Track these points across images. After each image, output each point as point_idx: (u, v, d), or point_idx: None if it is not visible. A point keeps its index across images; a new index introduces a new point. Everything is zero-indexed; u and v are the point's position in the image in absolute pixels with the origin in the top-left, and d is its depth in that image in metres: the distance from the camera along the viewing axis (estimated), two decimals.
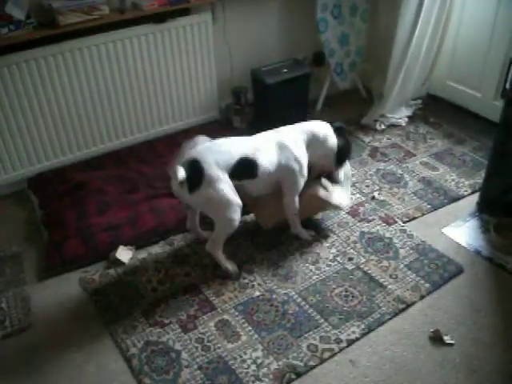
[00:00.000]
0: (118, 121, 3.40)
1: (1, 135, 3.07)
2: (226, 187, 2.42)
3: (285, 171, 2.60)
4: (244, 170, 2.50)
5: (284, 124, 3.41)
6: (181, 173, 2.31)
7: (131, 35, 3.18)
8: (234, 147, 2.51)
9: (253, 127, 3.73)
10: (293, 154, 2.60)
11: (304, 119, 3.76)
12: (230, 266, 2.57)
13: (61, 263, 2.67)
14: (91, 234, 2.78)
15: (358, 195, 3.11)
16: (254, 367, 2.14)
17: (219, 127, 3.72)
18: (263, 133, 2.71)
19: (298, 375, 2.12)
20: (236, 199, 2.45)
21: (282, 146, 2.60)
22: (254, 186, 2.61)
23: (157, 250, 2.75)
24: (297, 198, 2.68)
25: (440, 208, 3.02)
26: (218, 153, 2.45)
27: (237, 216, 2.47)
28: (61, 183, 3.18)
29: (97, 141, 3.40)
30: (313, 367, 2.16)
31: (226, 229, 2.51)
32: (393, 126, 3.80)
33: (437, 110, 3.96)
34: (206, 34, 3.44)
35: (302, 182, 2.66)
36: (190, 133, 3.61)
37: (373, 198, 3.09)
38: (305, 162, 2.65)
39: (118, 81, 3.28)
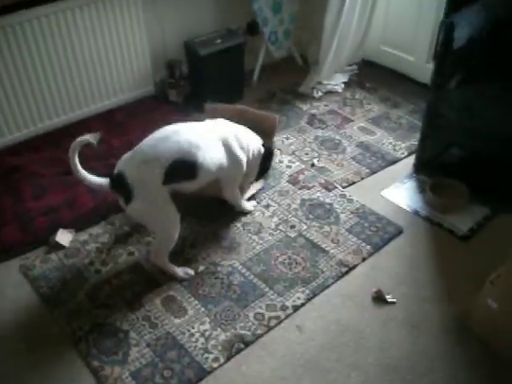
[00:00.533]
0: (50, 100, 3.28)
1: None
2: (160, 199, 2.25)
3: (227, 171, 2.48)
4: (180, 172, 2.27)
5: (221, 96, 3.40)
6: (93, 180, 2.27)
7: (57, 10, 3.04)
8: (163, 150, 2.22)
9: (189, 100, 3.71)
10: (237, 156, 2.49)
11: (241, 90, 3.78)
12: (181, 273, 2.41)
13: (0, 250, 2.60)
14: (29, 218, 2.70)
15: (297, 163, 3.13)
16: (202, 340, 2.16)
17: (155, 102, 3.65)
18: (202, 123, 2.50)
19: (247, 344, 2.15)
20: (173, 211, 2.30)
21: (226, 144, 2.44)
22: (191, 186, 2.41)
23: (98, 230, 2.70)
24: (236, 189, 2.67)
25: (378, 171, 3.08)
26: (145, 162, 2.19)
27: (175, 229, 2.33)
28: None
29: (28, 122, 3.26)
30: (260, 335, 2.19)
31: (165, 241, 2.34)
32: (330, 92, 3.83)
33: (372, 75, 4.01)
34: (136, 6, 3.33)
35: (241, 177, 2.63)
36: (125, 109, 3.55)
37: (312, 165, 3.12)
38: (245, 161, 2.56)
39: (47, 58, 3.14)
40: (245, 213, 2.77)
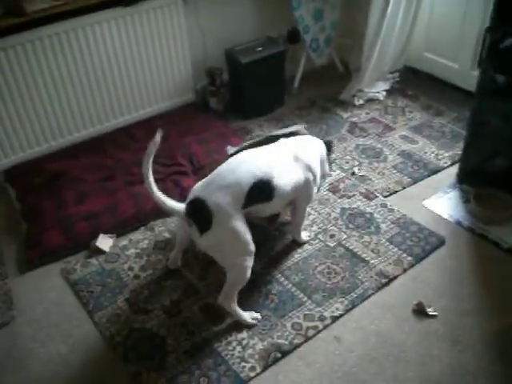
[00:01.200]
0: (93, 108, 3.35)
1: None
2: (241, 228, 2.11)
3: (302, 186, 2.38)
4: (257, 194, 2.17)
5: (261, 104, 3.41)
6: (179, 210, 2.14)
7: (100, 19, 3.12)
8: (242, 173, 2.14)
9: (230, 108, 3.72)
10: (308, 165, 2.38)
11: (281, 98, 3.77)
12: (248, 318, 2.25)
13: (41, 255, 2.65)
14: (71, 223, 2.75)
15: (338, 171, 3.10)
16: (239, 348, 2.15)
17: (196, 110, 3.68)
18: (275, 143, 2.42)
19: (284, 354, 2.13)
20: (250, 242, 2.15)
21: (297, 158, 2.35)
22: (267, 209, 2.33)
23: (138, 236, 2.73)
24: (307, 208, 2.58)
25: (420, 181, 3.02)
26: (226, 187, 2.10)
27: (250, 263, 2.18)
28: (38, 174, 3.13)
29: (72, 129, 3.35)
30: (298, 345, 2.17)
31: (239, 278, 2.17)
32: (371, 100, 3.79)
33: (414, 83, 3.95)
34: (177, 14, 3.38)
35: (315, 190, 2.51)
36: (166, 116, 3.59)
37: (353, 173, 3.09)
38: (318, 171, 2.48)
39: (90, 67, 3.22)
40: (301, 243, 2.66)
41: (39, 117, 3.19)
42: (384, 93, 3.83)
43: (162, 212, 2.74)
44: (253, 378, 2.06)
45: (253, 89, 3.59)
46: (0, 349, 2.25)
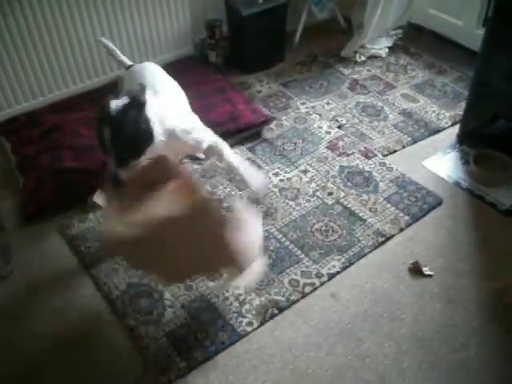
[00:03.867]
0: (89, 60, 3.27)
1: None
2: None
3: None
4: None
5: (261, 58, 3.33)
6: None
7: None
8: None
9: (229, 62, 3.65)
10: None
11: (282, 52, 3.70)
12: None
13: (38, 209, 2.63)
14: (67, 178, 2.72)
15: (336, 129, 3.06)
16: (236, 304, 2.17)
17: (195, 63, 3.61)
18: None
19: (281, 310, 2.15)
20: None
21: None
22: None
23: None
24: None
25: (420, 140, 3.00)
26: None
27: None
28: (34, 127, 3.07)
29: (68, 82, 3.28)
30: (295, 302, 2.19)
31: None
32: (373, 57, 3.72)
33: (418, 40, 3.87)
34: None
35: None
36: (164, 69, 3.52)
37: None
38: None
39: (87, 19, 3.12)
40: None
41: (35, 69, 3.12)
42: (386, 50, 3.76)
43: None
44: (249, 332, 2.08)
45: (253, 42, 3.50)
46: None
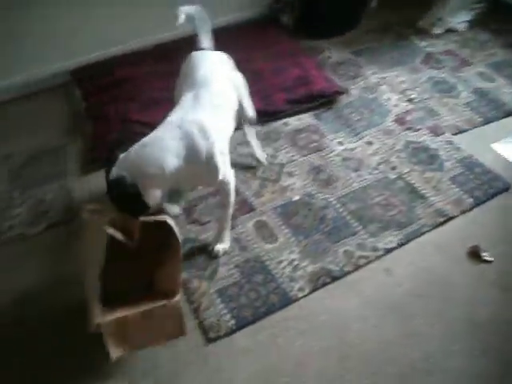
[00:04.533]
0: (162, 14, 3.27)
1: (44, 24, 3.01)
2: None
3: None
4: None
5: (333, 23, 3.24)
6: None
7: None
8: None
9: (300, 25, 3.57)
10: None
11: (356, 18, 3.59)
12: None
13: (102, 157, 2.69)
14: (132, 130, 2.75)
15: (406, 103, 2.98)
16: (289, 268, 2.18)
17: (266, 24, 3.56)
18: None
19: (333, 279, 2.15)
20: None
21: None
22: None
23: None
24: None
25: (492, 122, 2.89)
26: None
27: None
28: (105, 76, 3.13)
29: (143, 33, 3.30)
30: (348, 273, 2.18)
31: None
32: (450, 31, 3.57)
33: (500, 16, 3.68)
34: None
35: None
36: (235, 29, 3.49)
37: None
38: None
39: None
40: None
41: (108, 19, 3.15)
42: (465, 24, 3.60)
43: None
44: (300, 298, 2.10)
45: (326, 5, 3.41)
46: (59, 244, 2.36)
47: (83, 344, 1.90)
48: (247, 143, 2.61)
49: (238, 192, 2.48)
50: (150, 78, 3.08)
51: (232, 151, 2.45)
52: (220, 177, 2.01)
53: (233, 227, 2.34)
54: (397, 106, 2.94)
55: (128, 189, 1.81)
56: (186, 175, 1.94)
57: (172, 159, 1.86)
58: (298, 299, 2.09)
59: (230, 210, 2.20)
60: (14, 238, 2.41)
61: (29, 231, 2.43)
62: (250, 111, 2.43)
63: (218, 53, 2.36)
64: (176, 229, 1.84)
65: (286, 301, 2.08)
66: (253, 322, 2.03)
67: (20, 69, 3.15)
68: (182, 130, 1.91)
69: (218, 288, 2.12)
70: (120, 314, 1.77)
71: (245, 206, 2.44)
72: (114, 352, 1.74)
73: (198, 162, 1.92)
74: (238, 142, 2.66)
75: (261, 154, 2.62)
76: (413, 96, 3.03)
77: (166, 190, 1.98)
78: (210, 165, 1.96)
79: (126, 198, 1.82)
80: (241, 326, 2.01)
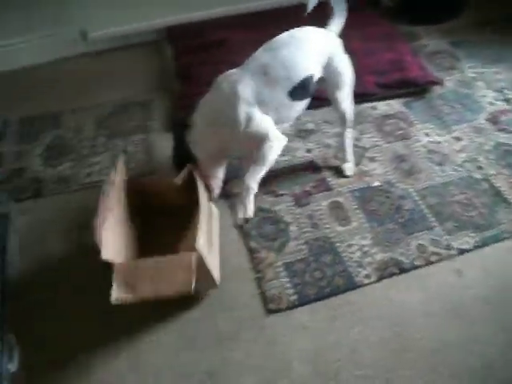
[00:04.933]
0: None
1: None
2: None
3: None
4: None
5: (435, 8, 3.07)
6: None
7: None
8: None
9: (401, 7, 3.45)
10: None
11: (460, 5, 3.42)
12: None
13: (188, 116, 2.72)
14: None
15: (502, 102, 2.85)
16: (359, 254, 2.15)
17: (364, 3, 3.46)
18: None
19: (401, 271, 2.10)
20: None
21: None
22: None
23: None
24: None
25: None
26: None
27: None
28: (198, 37, 3.16)
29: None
30: (417, 267, 2.12)
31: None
32: None
33: None
34: None
35: None
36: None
37: (507, 99, 2.85)
38: None
39: None
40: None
41: None
42: None
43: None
44: (365, 285, 2.06)
45: None
46: None
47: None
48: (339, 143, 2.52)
49: (317, 169, 2.47)
50: (241, 44, 3.06)
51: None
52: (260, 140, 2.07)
53: (307, 203, 2.33)
54: (492, 105, 2.82)
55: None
56: (225, 137, 2.09)
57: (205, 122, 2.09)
58: (362, 285, 2.06)
59: (262, 172, 2.11)
60: (92, 184, 2.49)
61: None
62: (344, 108, 2.36)
63: (326, 32, 2.30)
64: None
65: (351, 285, 2.06)
66: (314, 300, 2.02)
67: (120, 22, 3.22)
68: (220, 91, 2.09)
69: (285, 261, 2.12)
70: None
71: (322, 185, 2.42)
72: (117, 292, 1.75)
73: (232, 125, 2.05)
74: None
75: (350, 166, 2.48)
76: (510, 96, 2.89)
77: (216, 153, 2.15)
78: (248, 129, 2.04)
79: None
80: (302, 302, 2.01)
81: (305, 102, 2.24)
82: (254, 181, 2.09)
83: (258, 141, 2.09)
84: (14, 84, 3.07)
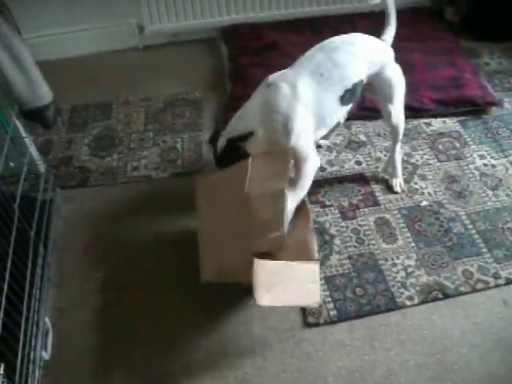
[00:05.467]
0: None
1: None
2: None
3: None
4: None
5: (502, 24, 2.96)
6: None
7: None
8: None
9: (465, 22, 3.35)
10: None
11: None
12: None
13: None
14: None
15: None
16: (403, 274, 2.09)
17: (427, 16, 3.39)
18: None
19: (446, 296, 2.04)
20: None
21: None
22: None
23: None
24: None
25: None
26: None
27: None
28: (253, 39, 3.14)
29: (296, 3, 3.27)
30: (462, 293, 2.05)
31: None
32: None
33: None
34: None
35: None
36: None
37: None
38: None
39: None
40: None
41: None
42: None
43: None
44: (407, 307, 2.00)
45: (499, 5, 3.15)
46: (181, 193, 2.38)
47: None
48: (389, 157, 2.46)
49: (366, 183, 2.42)
50: (295, 49, 3.03)
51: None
52: (292, 142, 1.94)
53: (353, 217, 2.28)
54: None
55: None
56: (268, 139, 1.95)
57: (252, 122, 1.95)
58: (404, 307, 2.00)
59: (301, 197, 2.03)
60: (138, 178, 2.49)
61: (153, 175, 2.51)
62: (396, 121, 2.25)
63: (378, 41, 2.20)
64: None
65: (392, 306, 2.00)
66: (354, 317, 1.97)
67: (176, 18, 3.22)
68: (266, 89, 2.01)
69: (327, 275, 2.08)
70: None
71: (370, 199, 2.37)
72: (260, 294, 1.66)
73: (273, 124, 1.94)
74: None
75: (398, 181, 2.42)
76: None
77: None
78: (285, 128, 1.93)
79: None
80: (341, 318, 1.97)
81: (348, 108, 2.18)
82: (293, 205, 1.99)
83: (299, 159, 2.01)
84: (65, 73, 3.09)
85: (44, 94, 2.13)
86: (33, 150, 2.31)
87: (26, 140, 2.26)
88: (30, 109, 2.12)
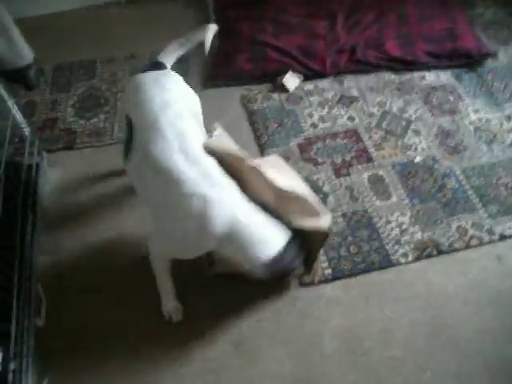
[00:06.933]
0: None
1: None
2: None
3: None
4: None
5: None
6: None
7: None
8: None
9: None
10: None
11: None
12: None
13: (226, 75, 2.64)
14: (263, 52, 2.69)
15: None
16: (397, 231, 2.08)
17: None
18: None
19: (439, 253, 2.03)
20: None
21: None
22: None
23: (324, 85, 2.63)
24: None
25: None
26: None
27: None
28: None
29: None
30: (456, 250, 2.05)
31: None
32: None
33: None
34: None
35: None
36: None
37: None
38: None
39: None
40: None
41: None
42: None
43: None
44: (401, 264, 2.00)
45: None
46: None
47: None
48: None
49: (359, 139, 2.38)
50: (287, 2, 2.95)
51: None
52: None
53: (347, 174, 2.26)
54: None
55: None
56: None
57: None
58: (399, 264, 2.00)
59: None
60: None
61: None
62: None
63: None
64: None
65: (387, 263, 2.00)
66: (348, 276, 1.97)
67: None
68: None
69: None
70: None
71: (363, 156, 2.33)
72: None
73: None
74: None
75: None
76: None
77: None
78: None
79: None
80: (336, 277, 1.96)
81: None
82: None
83: None
84: (44, 31, 2.98)
85: (25, 53, 2.05)
86: (16, 113, 2.22)
87: (9, 103, 2.18)
88: (12, 69, 2.05)
